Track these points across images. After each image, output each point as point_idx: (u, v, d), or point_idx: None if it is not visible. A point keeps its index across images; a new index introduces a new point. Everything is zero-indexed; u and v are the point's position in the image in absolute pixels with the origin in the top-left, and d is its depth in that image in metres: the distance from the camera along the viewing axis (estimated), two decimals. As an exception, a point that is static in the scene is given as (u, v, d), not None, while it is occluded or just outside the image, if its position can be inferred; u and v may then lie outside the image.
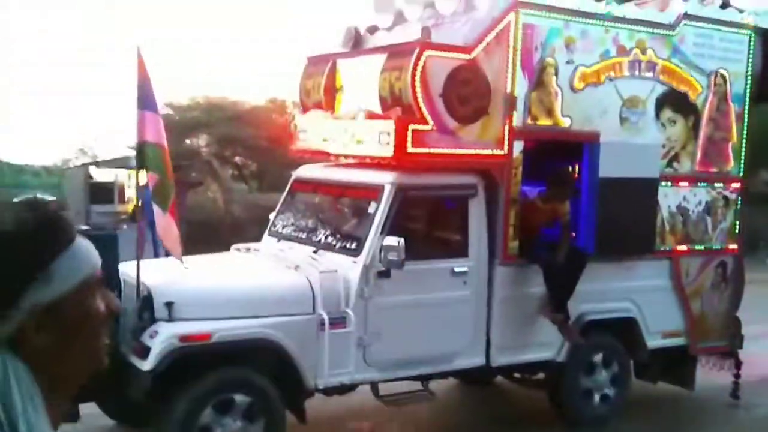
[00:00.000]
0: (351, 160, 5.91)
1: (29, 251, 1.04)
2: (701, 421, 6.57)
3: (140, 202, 14.50)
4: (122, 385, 4.72)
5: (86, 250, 1.09)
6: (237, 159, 22.33)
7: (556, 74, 5.71)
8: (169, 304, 4.69)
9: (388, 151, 5.26)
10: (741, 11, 6.54)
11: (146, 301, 4.78)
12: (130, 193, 16.93)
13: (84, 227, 4.98)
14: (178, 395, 4.59)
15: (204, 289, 5.03)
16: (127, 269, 5.12)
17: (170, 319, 4.68)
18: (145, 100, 4.81)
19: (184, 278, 5.14)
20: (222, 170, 20.52)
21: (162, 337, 4.59)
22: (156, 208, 5.00)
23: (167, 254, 13.03)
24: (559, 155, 6.23)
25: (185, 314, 4.71)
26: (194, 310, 4.74)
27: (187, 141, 25.81)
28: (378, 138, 5.33)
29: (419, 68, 5.16)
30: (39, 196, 1.12)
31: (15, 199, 1.09)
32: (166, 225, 5.04)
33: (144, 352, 4.60)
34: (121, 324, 4.92)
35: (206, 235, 12.50)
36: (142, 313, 4.78)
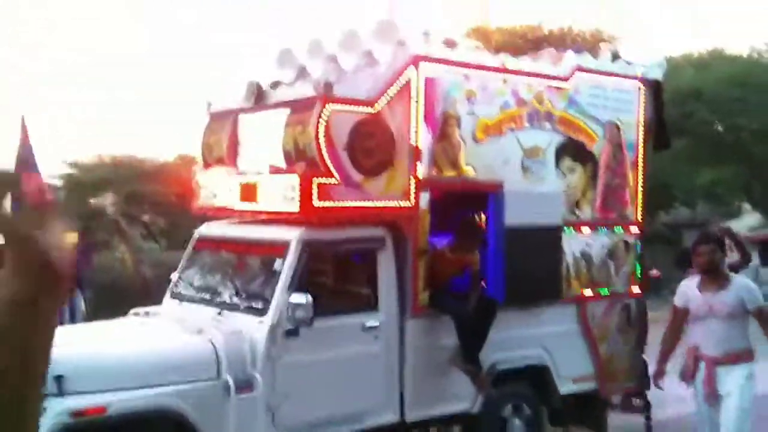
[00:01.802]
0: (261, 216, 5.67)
1: None
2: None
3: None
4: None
5: None
6: (145, 217, 21.72)
7: (459, 126, 5.67)
8: (58, 378, 4.26)
9: (293, 206, 5.06)
10: (629, 63, 6.73)
11: (34, 374, 4.36)
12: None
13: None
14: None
15: (97, 359, 4.60)
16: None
17: (60, 393, 4.25)
18: (30, 163, 4.60)
19: (75, 348, 4.73)
20: (130, 229, 19.82)
21: (51, 415, 4.14)
22: None
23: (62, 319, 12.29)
24: (465, 205, 6.17)
25: (77, 387, 4.28)
26: (87, 383, 4.32)
27: (92, 200, 24.85)
28: (283, 193, 5.14)
29: (322, 122, 5.03)
30: None
31: None
32: None
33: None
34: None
35: (115, 298, 11.89)
36: (30, 388, 4.34)
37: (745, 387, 4.77)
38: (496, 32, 20.64)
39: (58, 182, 24.66)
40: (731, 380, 4.79)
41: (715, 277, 4.87)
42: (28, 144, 4.61)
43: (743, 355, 4.86)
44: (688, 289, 5.03)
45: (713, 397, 4.81)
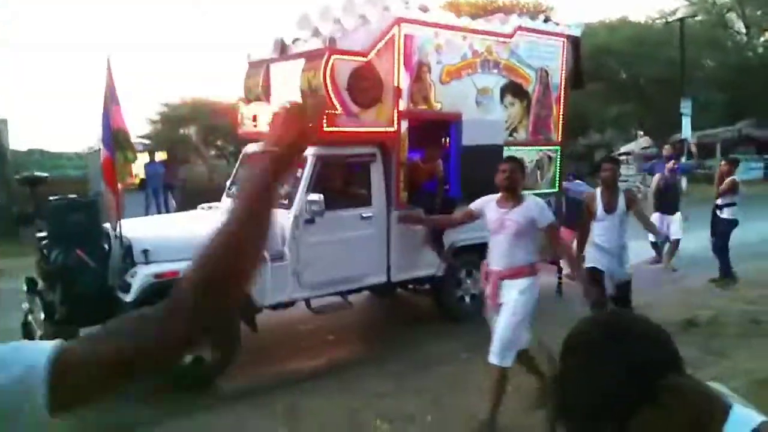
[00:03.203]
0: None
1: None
2: (539, 311, 6.45)
3: (145, 176, 13.57)
4: (112, 314, 4.26)
5: None
6: (219, 143, 21.43)
7: (430, 71, 5.36)
8: (145, 251, 4.22)
9: (309, 131, 4.84)
10: (557, 24, 6.32)
11: (128, 249, 4.28)
12: (136, 169, 15.83)
13: (72, 195, 4.35)
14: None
15: (172, 238, 4.51)
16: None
17: (146, 262, 4.21)
18: (114, 97, 4.25)
19: (157, 230, 4.65)
20: (206, 151, 19.52)
21: (140, 276, 4.13)
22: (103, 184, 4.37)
23: (161, 212, 12.27)
24: (434, 130, 5.93)
25: (158, 258, 4.23)
26: (165, 254, 4.25)
27: (181, 131, 24.46)
28: (301, 121, 4.90)
29: (329, 68, 4.73)
30: None
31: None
32: (113, 196, 4.37)
33: (127, 287, 4.14)
34: (110, 268, 4.43)
35: (196, 197, 11.88)
36: (125, 259, 4.28)
37: (518, 300, 3.63)
38: (464, 4, 19.62)
39: (156, 116, 24.18)
40: (509, 293, 3.65)
41: (512, 195, 3.69)
42: (112, 82, 4.25)
43: (525, 270, 3.67)
44: (489, 201, 3.83)
45: (496, 307, 3.70)
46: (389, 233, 5.33)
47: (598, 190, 4.71)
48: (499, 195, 3.79)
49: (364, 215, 5.19)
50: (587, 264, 4.61)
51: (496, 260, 3.73)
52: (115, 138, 4.25)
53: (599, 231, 4.67)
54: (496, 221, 3.70)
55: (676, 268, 7.88)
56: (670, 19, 21.43)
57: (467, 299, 5.96)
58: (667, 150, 8.67)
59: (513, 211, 3.66)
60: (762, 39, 26.74)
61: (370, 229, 5.23)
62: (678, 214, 7.87)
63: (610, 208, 4.63)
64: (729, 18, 26.57)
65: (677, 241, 7.88)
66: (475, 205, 3.94)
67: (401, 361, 4.86)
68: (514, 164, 3.78)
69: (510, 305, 3.62)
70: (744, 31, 26.68)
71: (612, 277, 4.66)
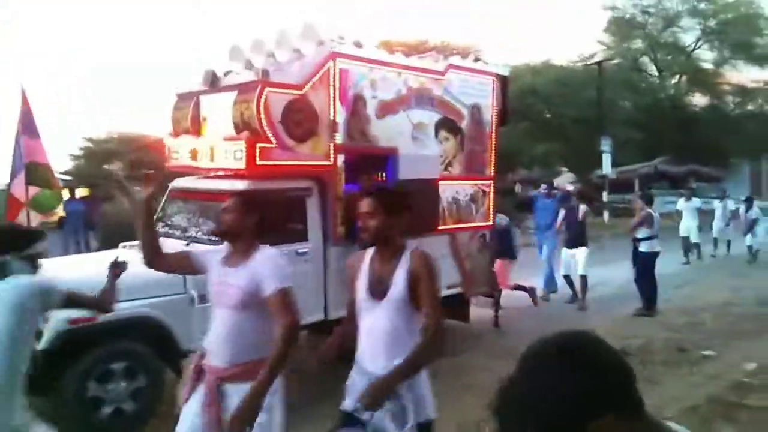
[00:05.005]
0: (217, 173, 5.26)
1: None
2: (476, 342, 6.52)
3: (66, 213, 12.76)
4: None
5: None
6: (146, 178, 20.73)
7: (366, 106, 5.39)
8: (58, 294, 3.86)
9: (241, 164, 4.70)
10: (487, 63, 6.57)
11: (38, 293, 3.91)
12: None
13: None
14: (67, 369, 3.80)
15: (90, 280, 4.19)
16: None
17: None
18: (30, 129, 3.95)
19: (74, 272, 4.29)
20: (130, 187, 18.66)
21: (53, 322, 3.77)
22: (33, 212, 4.06)
23: (81, 252, 11.48)
24: (370, 164, 5.93)
25: (73, 302, 3.89)
26: (81, 298, 3.93)
27: (105, 166, 23.50)
28: (233, 155, 4.76)
29: (262, 100, 4.65)
30: None
31: None
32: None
33: (38, 334, 3.76)
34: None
35: (119, 236, 11.23)
36: (36, 304, 3.91)
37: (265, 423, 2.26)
38: (396, 44, 20.23)
39: (79, 152, 23.07)
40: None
41: (238, 246, 2.48)
42: (29, 111, 3.95)
43: (259, 368, 2.27)
44: (216, 254, 2.55)
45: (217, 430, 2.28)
46: (327, 269, 5.21)
47: (371, 250, 2.47)
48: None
49: (299, 251, 5.04)
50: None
51: (213, 351, 2.36)
52: (32, 172, 3.93)
53: (360, 331, 2.45)
54: (216, 286, 2.39)
55: (585, 306, 7.81)
56: (589, 63, 22.98)
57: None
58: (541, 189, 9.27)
59: (236, 272, 2.36)
60: (673, 81, 29.19)
61: (307, 266, 5.08)
62: (583, 249, 7.98)
63: (377, 289, 2.36)
64: (642, 62, 28.88)
65: (584, 277, 7.89)
66: (196, 255, 2.58)
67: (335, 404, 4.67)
68: (238, 200, 2.47)
69: None
70: (656, 74, 29.05)
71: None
